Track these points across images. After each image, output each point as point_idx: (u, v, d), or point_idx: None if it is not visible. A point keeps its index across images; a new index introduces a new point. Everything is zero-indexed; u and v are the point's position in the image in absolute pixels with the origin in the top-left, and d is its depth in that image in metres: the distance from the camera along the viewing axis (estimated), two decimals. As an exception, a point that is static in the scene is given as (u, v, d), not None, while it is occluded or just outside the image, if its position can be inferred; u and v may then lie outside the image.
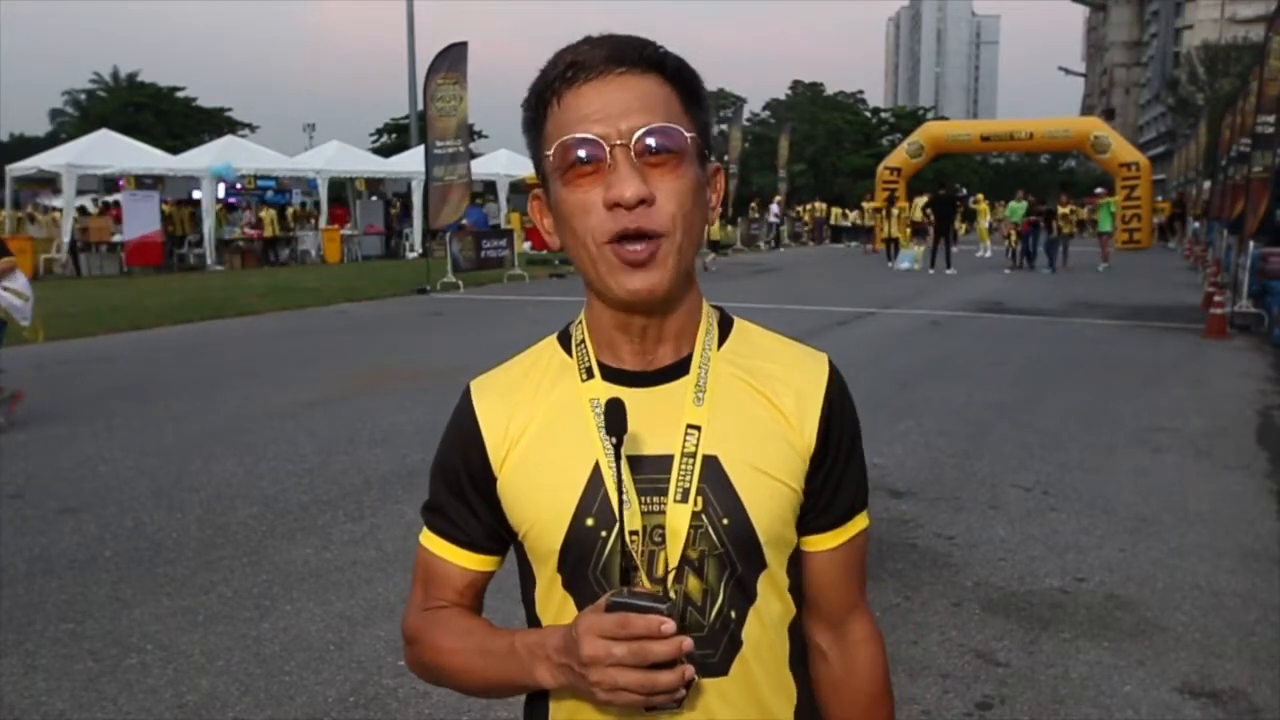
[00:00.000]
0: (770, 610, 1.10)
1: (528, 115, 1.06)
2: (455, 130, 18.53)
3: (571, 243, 1.04)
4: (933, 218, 24.78)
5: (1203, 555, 4.71)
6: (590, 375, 1.10)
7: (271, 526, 5.15)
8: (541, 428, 1.10)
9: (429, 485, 1.19)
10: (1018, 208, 24.86)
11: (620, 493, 1.01)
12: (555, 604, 1.09)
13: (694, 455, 1.06)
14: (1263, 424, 7.46)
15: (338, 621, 4.01)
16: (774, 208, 36.12)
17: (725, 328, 1.15)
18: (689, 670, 0.94)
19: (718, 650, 1.07)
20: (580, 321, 1.14)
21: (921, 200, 28.56)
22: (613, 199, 0.99)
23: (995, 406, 8.01)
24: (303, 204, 30.42)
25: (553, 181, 1.04)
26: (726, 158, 31.36)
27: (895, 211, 26.38)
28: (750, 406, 1.10)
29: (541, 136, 1.04)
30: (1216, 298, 12.42)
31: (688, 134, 1.02)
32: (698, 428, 1.07)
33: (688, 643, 0.93)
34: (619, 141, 0.99)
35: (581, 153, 0.99)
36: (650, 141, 0.99)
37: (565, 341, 1.15)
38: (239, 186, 26.78)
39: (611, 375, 1.09)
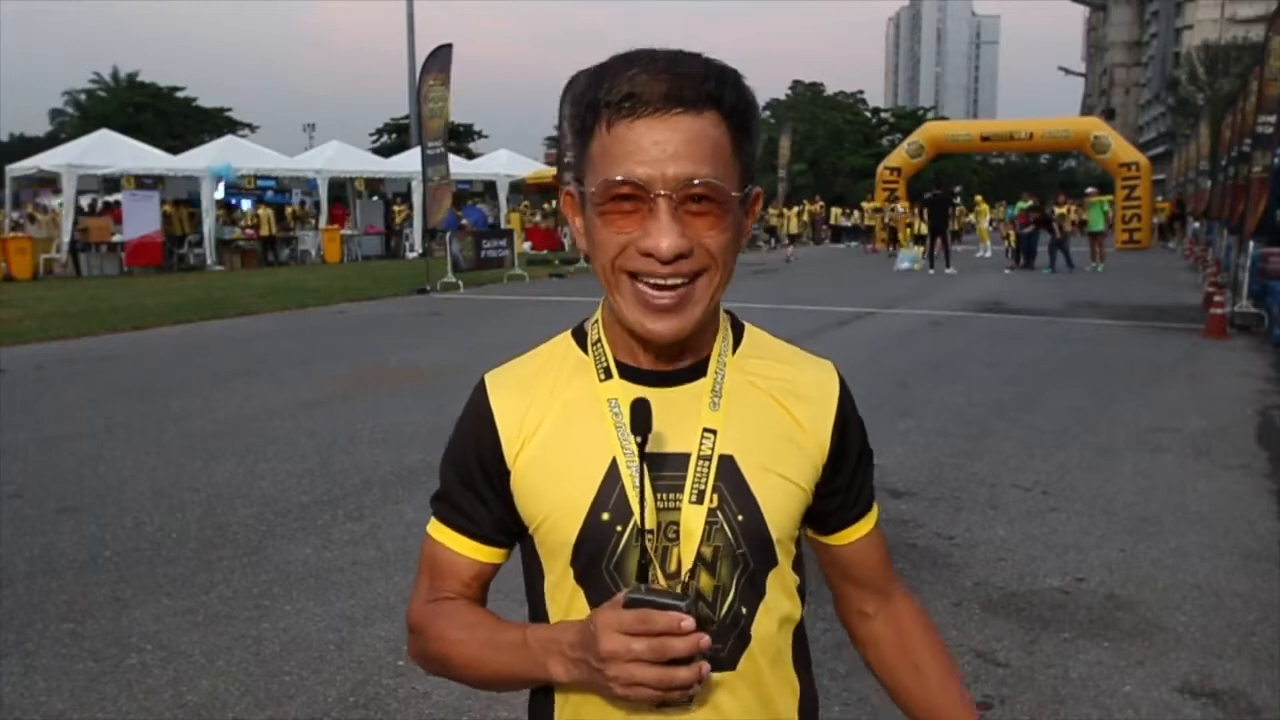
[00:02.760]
0: (778, 607, 1.12)
1: (575, 120, 1.05)
2: (440, 131, 18.58)
3: (598, 265, 1.06)
4: (927, 218, 24.77)
5: (1203, 555, 4.71)
6: (608, 375, 1.11)
7: (271, 526, 5.14)
8: (557, 423, 1.11)
9: (439, 475, 1.19)
10: (1023, 206, 24.91)
11: (642, 491, 1.02)
12: (566, 597, 1.10)
13: (710, 458, 1.08)
14: (1263, 424, 7.46)
15: (338, 621, 4.01)
16: (897, 206, 35.15)
17: (738, 332, 1.17)
18: (705, 666, 0.96)
19: (726, 645, 1.08)
20: (597, 320, 1.15)
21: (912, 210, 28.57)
22: (647, 249, 1.00)
23: (995, 406, 8.01)
24: (301, 203, 30.41)
25: (589, 204, 1.04)
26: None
27: (920, 211, 26.29)
28: (764, 410, 1.12)
29: (586, 153, 1.04)
30: (1216, 298, 12.42)
31: (733, 191, 1.02)
32: (714, 431, 1.09)
33: (706, 639, 0.94)
34: (662, 191, 0.99)
35: (623, 193, 1.00)
36: (693, 192, 0.99)
37: (580, 338, 1.16)
38: (238, 186, 26.77)
39: (629, 374, 1.11)
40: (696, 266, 1.02)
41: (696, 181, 0.99)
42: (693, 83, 1.00)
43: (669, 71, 1.00)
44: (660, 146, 0.99)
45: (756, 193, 1.10)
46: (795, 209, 34.29)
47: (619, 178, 0.99)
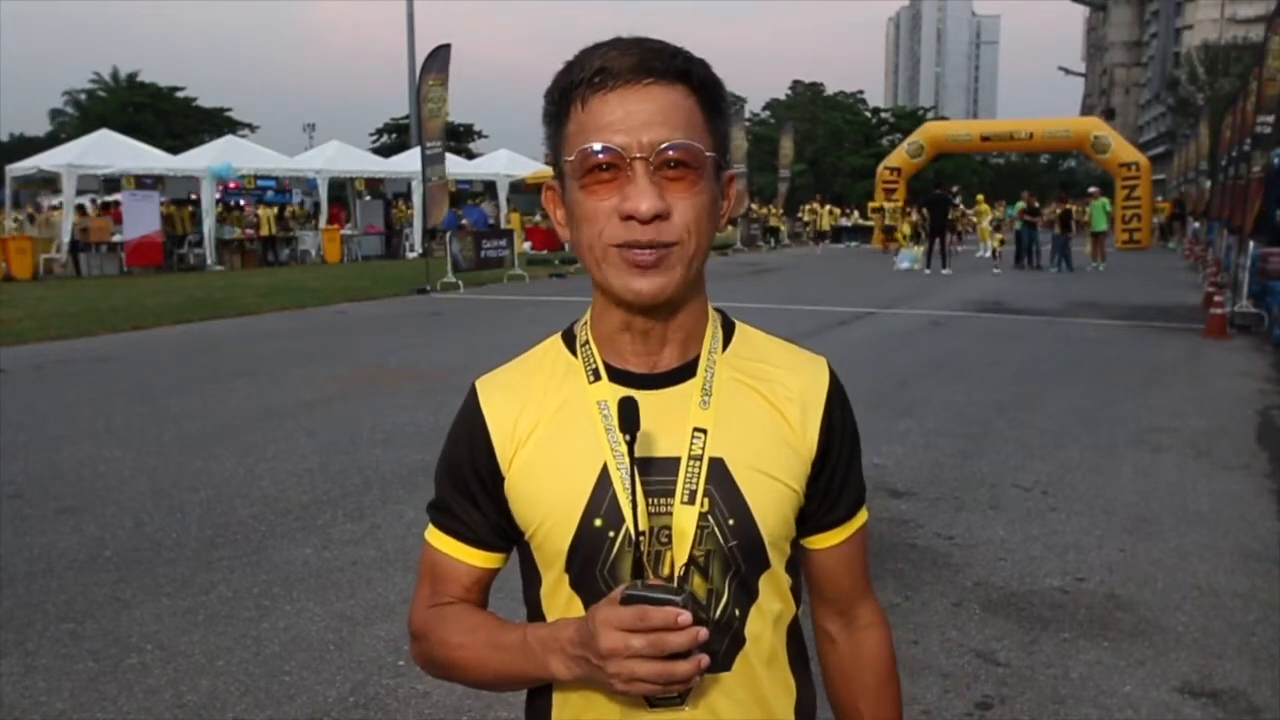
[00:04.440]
0: (771, 609, 1.12)
1: (550, 109, 1.07)
2: (440, 131, 18.59)
3: (581, 243, 1.06)
4: (927, 217, 24.77)
5: (1203, 555, 4.71)
6: (597, 377, 1.11)
7: (271, 526, 5.15)
8: (549, 428, 1.11)
9: (435, 482, 1.19)
10: (1023, 207, 24.99)
11: (633, 490, 1.02)
12: (561, 603, 1.10)
13: (700, 458, 1.07)
14: (1263, 424, 7.46)
15: (338, 621, 4.01)
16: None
17: (728, 331, 1.17)
18: (704, 659, 0.96)
19: (721, 648, 1.08)
20: (585, 322, 1.15)
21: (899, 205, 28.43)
22: (627, 211, 1.00)
23: (995, 406, 8.01)
24: (300, 203, 30.38)
25: (570, 181, 1.05)
26: (729, 158, 31.28)
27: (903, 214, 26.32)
28: (754, 410, 1.12)
29: (562, 135, 1.05)
30: (1216, 298, 12.42)
31: (708, 153, 1.03)
32: (704, 431, 1.08)
33: (703, 633, 0.95)
34: (639, 154, 1.00)
35: (601, 161, 1.01)
36: (670, 157, 1.00)
37: (570, 341, 1.16)
38: (238, 186, 26.77)
39: (618, 377, 1.10)
40: (673, 237, 1.02)
41: (671, 145, 1.00)
42: (662, 57, 1.02)
43: (638, 47, 1.03)
44: (634, 115, 1.00)
45: (731, 175, 1.10)
46: (827, 207, 38.00)
47: (596, 145, 1.00)
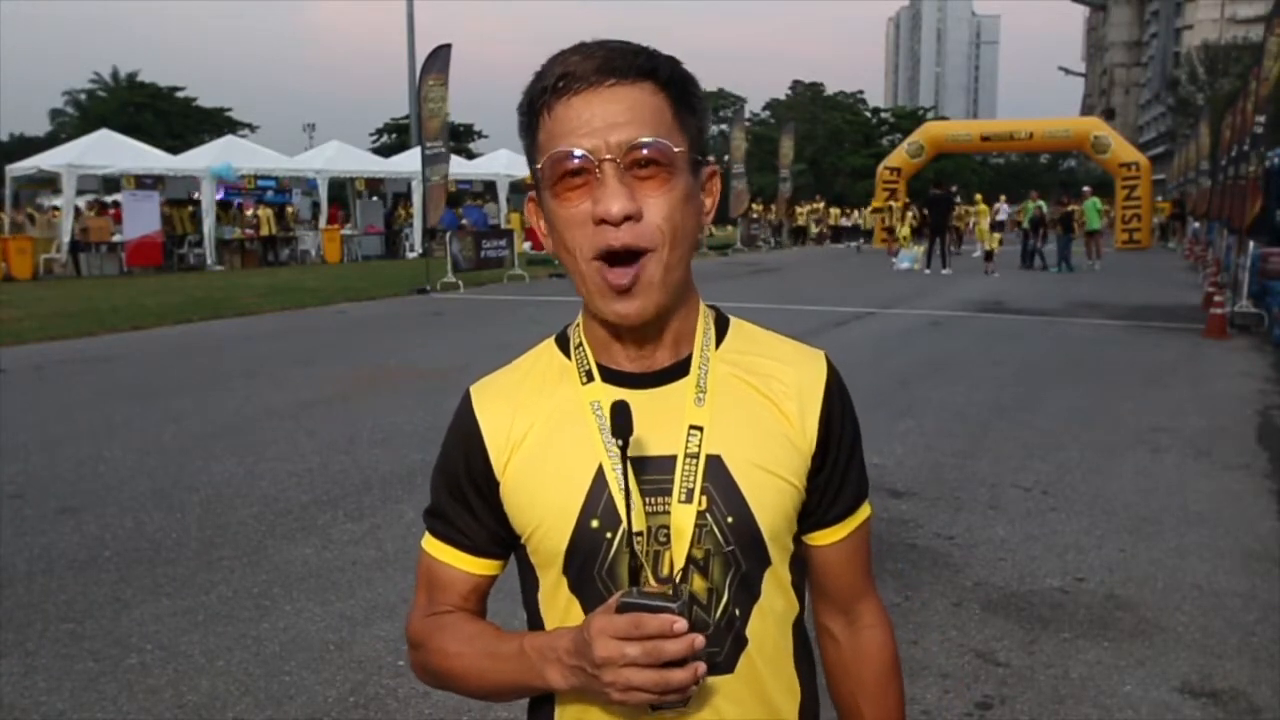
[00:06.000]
0: (774, 607, 1.11)
1: (522, 120, 1.07)
2: (440, 131, 18.58)
3: (562, 253, 1.06)
4: (928, 217, 24.76)
5: (1203, 555, 4.71)
6: (590, 378, 1.11)
7: (271, 526, 5.14)
8: (543, 431, 1.10)
9: (430, 490, 1.19)
10: (1030, 207, 24.99)
11: (627, 494, 1.01)
12: (560, 606, 1.10)
13: (697, 456, 1.07)
14: (1263, 424, 7.46)
15: (338, 621, 4.01)
16: (1003, 207, 34.23)
17: (722, 327, 1.16)
18: (701, 667, 0.95)
19: (723, 648, 1.07)
20: (578, 324, 1.15)
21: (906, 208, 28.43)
22: (599, 215, 0.99)
23: (995, 406, 8.01)
24: (295, 204, 30.30)
25: (544, 192, 1.05)
26: (727, 158, 31.37)
27: (907, 213, 26.35)
28: (750, 405, 1.11)
29: (534, 145, 1.05)
30: (1216, 298, 12.43)
31: (677, 148, 1.02)
32: (700, 428, 1.08)
33: (700, 640, 0.94)
34: (607, 156, 0.99)
35: (570, 167, 1.00)
36: (638, 156, 1.00)
37: (563, 344, 1.16)
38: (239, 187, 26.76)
39: (611, 377, 1.10)
40: (648, 241, 1.00)
41: (637, 143, 0.99)
42: (625, 56, 1.02)
43: (602, 49, 1.02)
44: (600, 117, 1.00)
45: (711, 170, 1.09)
46: (870, 209, 39.40)
47: (563, 150, 1.00)
